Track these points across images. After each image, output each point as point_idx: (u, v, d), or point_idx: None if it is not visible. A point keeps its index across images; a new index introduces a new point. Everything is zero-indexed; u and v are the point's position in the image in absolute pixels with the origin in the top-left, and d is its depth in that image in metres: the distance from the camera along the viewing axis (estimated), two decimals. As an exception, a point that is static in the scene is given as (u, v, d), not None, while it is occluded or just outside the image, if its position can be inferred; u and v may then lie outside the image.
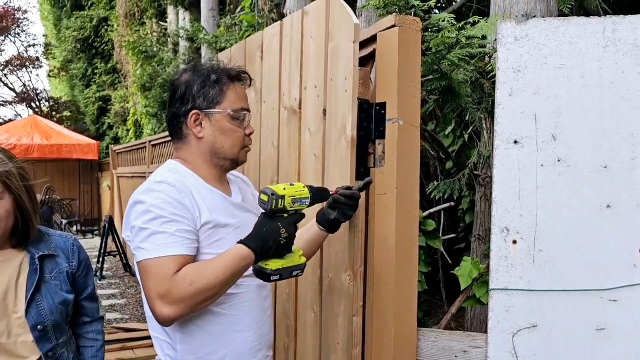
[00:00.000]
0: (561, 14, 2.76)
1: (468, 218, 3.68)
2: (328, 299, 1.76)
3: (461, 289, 1.80)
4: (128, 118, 12.54)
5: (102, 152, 13.50)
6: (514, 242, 1.63)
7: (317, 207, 1.55)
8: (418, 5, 2.28)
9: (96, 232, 13.08)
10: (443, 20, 2.19)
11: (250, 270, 1.35)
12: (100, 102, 14.92)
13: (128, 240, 1.40)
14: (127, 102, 12.75)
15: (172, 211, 1.32)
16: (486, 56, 2.54)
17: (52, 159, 12.88)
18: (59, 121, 16.02)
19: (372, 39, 1.72)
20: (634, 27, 1.56)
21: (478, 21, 2.45)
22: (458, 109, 2.48)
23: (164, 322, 1.27)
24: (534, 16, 2.58)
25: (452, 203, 3.19)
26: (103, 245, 7.57)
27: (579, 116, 1.59)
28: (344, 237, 1.68)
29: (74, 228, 13.03)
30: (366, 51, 1.74)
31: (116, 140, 13.86)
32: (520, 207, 1.62)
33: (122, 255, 7.83)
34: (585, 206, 1.58)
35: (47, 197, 12.37)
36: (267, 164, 2.15)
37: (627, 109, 1.56)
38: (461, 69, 2.44)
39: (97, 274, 7.52)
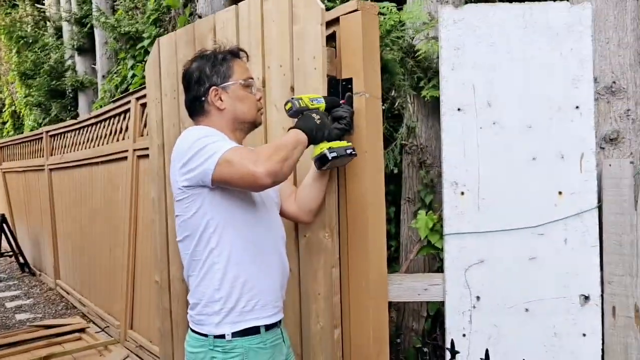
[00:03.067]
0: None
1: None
2: (306, 256, 1.96)
3: (421, 238, 2.10)
4: (4, 109, 11.54)
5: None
6: (462, 193, 1.94)
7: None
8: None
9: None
10: (384, 8, 2.43)
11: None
12: (-34, 93, 13.49)
13: (182, 184, 1.55)
14: (1, 93, 11.71)
15: (224, 137, 1.57)
16: (408, 38, 2.85)
17: None
18: None
19: (332, 21, 1.93)
20: (546, 12, 1.92)
21: (401, 8, 2.74)
22: (391, 86, 2.76)
23: (263, 177, 1.45)
24: (447, 1, 2.94)
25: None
26: (-4, 246, 7.04)
27: (507, 85, 1.93)
28: (319, 199, 1.88)
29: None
30: (328, 32, 1.93)
31: (-12, 134, 12.67)
32: (465, 164, 1.94)
33: (18, 255, 7.33)
34: (516, 160, 1.93)
35: None
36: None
37: (544, 78, 1.92)
38: (388, 49, 2.73)
39: (-9, 277, 7.01)
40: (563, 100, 1.89)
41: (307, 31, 1.86)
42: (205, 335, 1.57)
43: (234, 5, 2.22)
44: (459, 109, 1.94)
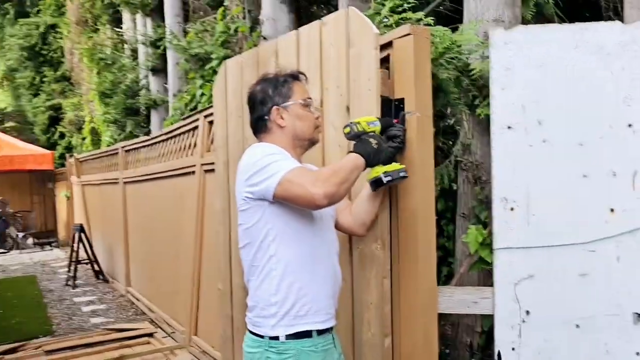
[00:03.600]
0: (524, 19, 3.19)
1: (440, 205, 4.06)
2: (359, 267, 2.06)
3: (471, 253, 2.15)
4: (84, 126, 12.38)
5: (56, 162, 13.23)
6: (512, 209, 1.99)
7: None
8: (416, 17, 2.63)
9: (54, 243, 12.81)
10: (437, 31, 2.53)
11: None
12: (51, 111, 14.59)
13: (245, 195, 1.69)
14: (82, 111, 12.58)
15: (287, 155, 1.72)
16: (464, 56, 2.92)
17: (2, 172, 12.55)
18: (4, 132, 15.53)
19: (386, 45, 2.05)
20: (598, 31, 1.96)
21: (455, 28, 2.82)
22: (446, 105, 2.83)
23: (320, 199, 1.58)
24: (503, 21, 2.99)
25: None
26: (75, 253, 7.55)
27: (558, 104, 1.97)
28: (372, 212, 1.99)
29: (30, 241, 12.71)
30: (381, 55, 2.05)
31: (69, 149, 13.61)
32: (515, 181, 1.99)
33: (93, 263, 7.83)
34: (567, 177, 1.96)
35: (0, 210, 12.04)
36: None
37: (595, 97, 1.95)
38: (444, 69, 2.81)
39: (70, 282, 7.51)
40: (614, 118, 1.91)
41: (362, 54, 1.99)
42: (262, 337, 1.70)
43: (295, 30, 2.39)
44: (508, 127, 2.00)
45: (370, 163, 1.75)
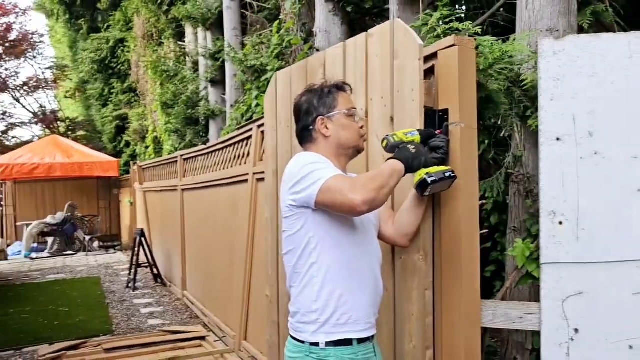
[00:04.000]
0: (580, 28, 3.09)
1: (494, 219, 3.96)
2: (401, 277, 2.06)
3: (518, 267, 2.10)
4: (147, 135, 12.93)
5: (121, 169, 13.87)
6: (560, 223, 1.93)
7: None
8: (463, 27, 2.61)
9: (117, 247, 13.39)
10: (486, 41, 2.50)
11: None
12: (118, 121, 15.34)
13: (289, 203, 1.74)
14: (146, 120, 13.14)
15: (329, 164, 1.76)
16: (515, 67, 2.86)
17: (72, 178, 13.30)
18: (75, 140, 16.45)
19: (431, 56, 2.05)
20: (655, 41, 1.88)
21: (508, 38, 2.78)
22: (496, 116, 2.79)
23: (360, 205, 1.59)
24: (557, 30, 2.92)
25: (484, 201, 3.48)
26: (136, 257, 7.88)
27: (610, 116, 1.91)
28: (414, 223, 1.98)
29: (95, 244, 13.35)
30: (426, 66, 2.06)
31: (133, 157, 14.25)
32: (564, 194, 1.93)
33: (152, 266, 8.14)
34: (619, 191, 1.88)
35: (69, 214, 12.73)
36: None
37: (652, 109, 1.87)
38: (494, 79, 2.77)
39: (130, 285, 7.83)
40: (672, 130, 1.83)
41: (406, 65, 2.00)
42: (302, 342, 1.73)
43: (341, 43, 2.43)
44: (557, 139, 1.95)
45: (410, 167, 1.75)
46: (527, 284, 2.41)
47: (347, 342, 1.72)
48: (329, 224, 1.73)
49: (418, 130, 1.86)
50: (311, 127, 1.85)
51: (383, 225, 1.97)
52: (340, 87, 1.89)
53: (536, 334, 2.61)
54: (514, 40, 2.65)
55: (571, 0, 2.90)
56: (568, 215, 1.92)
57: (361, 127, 1.88)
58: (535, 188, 2.81)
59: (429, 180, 1.79)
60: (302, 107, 1.88)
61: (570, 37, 1.98)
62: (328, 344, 1.71)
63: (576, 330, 1.90)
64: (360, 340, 1.74)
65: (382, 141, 1.86)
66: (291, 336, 1.81)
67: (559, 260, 1.92)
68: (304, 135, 1.89)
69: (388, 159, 1.77)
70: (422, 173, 1.81)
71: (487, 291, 3.57)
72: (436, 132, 1.92)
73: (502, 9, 4.51)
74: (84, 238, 12.96)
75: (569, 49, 1.96)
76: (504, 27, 4.66)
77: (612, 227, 1.88)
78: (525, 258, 2.05)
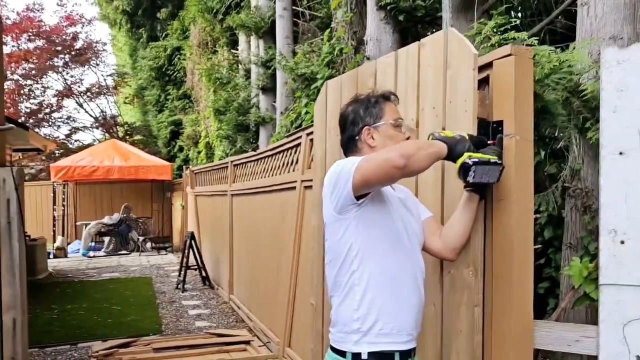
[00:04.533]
0: (647, 36, 2.93)
1: (547, 233, 3.80)
2: (449, 292, 2.00)
3: (575, 287, 2.00)
4: (199, 141, 13.24)
5: (174, 173, 14.26)
6: (622, 242, 1.83)
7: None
8: (518, 36, 2.53)
9: (168, 248, 13.75)
10: (543, 51, 2.41)
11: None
12: (172, 126, 15.78)
13: (332, 208, 1.71)
14: (199, 126, 13.47)
15: None
16: (574, 76, 2.74)
17: (128, 180, 13.79)
18: (132, 144, 17.06)
19: (485, 65, 1.99)
20: None
21: (567, 46, 2.67)
22: (553, 127, 2.68)
23: (396, 158, 1.54)
24: (621, 38, 2.78)
25: (538, 215, 3.35)
26: (186, 259, 8.06)
27: (680, 130, 1.79)
28: (464, 237, 1.92)
29: (148, 245, 13.76)
30: (480, 76, 2.00)
31: (186, 161, 14.62)
32: (627, 211, 1.82)
33: (201, 269, 8.30)
34: (689, 210, 1.76)
35: (125, 215, 13.19)
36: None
37: None
38: (551, 89, 2.66)
39: (180, 286, 8.01)
40: None
41: (460, 75, 1.95)
42: (344, 354, 1.70)
43: (393, 52, 2.40)
44: (620, 153, 1.85)
45: (453, 148, 1.68)
46: (582, 306, 2.29)
47: (389, 356, 1.68)
48: (369, 232, 1.70)
49: (469, 135, 1.79)
50: (357, 137, 1.83)
51: (429, 238, 1.92)
52: (387, 97, 1.86)
53: (593, 359, 2.48)
54: (574, 48, 2.55)
55: (637, 7, 2.75)
56: (631, 234, 1.82)
57: (407, 138, 1.84)
58: (594, 204, 2.68)
59: (471, 162, 1.68)
60: (348, 117, 1.86)
61: (635, 45, 1.88)
62: (370, 354, 1.67)
63: (638, 358, 1.79)
64: (402, 354, 1.70)
65: (428, 137, 1.79)
66: (331, 347, 1.78)
67: (619, 281, 1.82)
68: (350, 145, 1.86)
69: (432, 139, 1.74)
70: (464, 157, 1.70)
71: (540, 309, 3.43)
72: (489, 143, 1.85)
73: (560, 16, 4.35)
74: (138, 239, 13.40)
75: (634, 58, 1.86)
76: (562, 35, 4.49)
77: (680, 249, 1.76)
78: (582, 278, 1.95)
